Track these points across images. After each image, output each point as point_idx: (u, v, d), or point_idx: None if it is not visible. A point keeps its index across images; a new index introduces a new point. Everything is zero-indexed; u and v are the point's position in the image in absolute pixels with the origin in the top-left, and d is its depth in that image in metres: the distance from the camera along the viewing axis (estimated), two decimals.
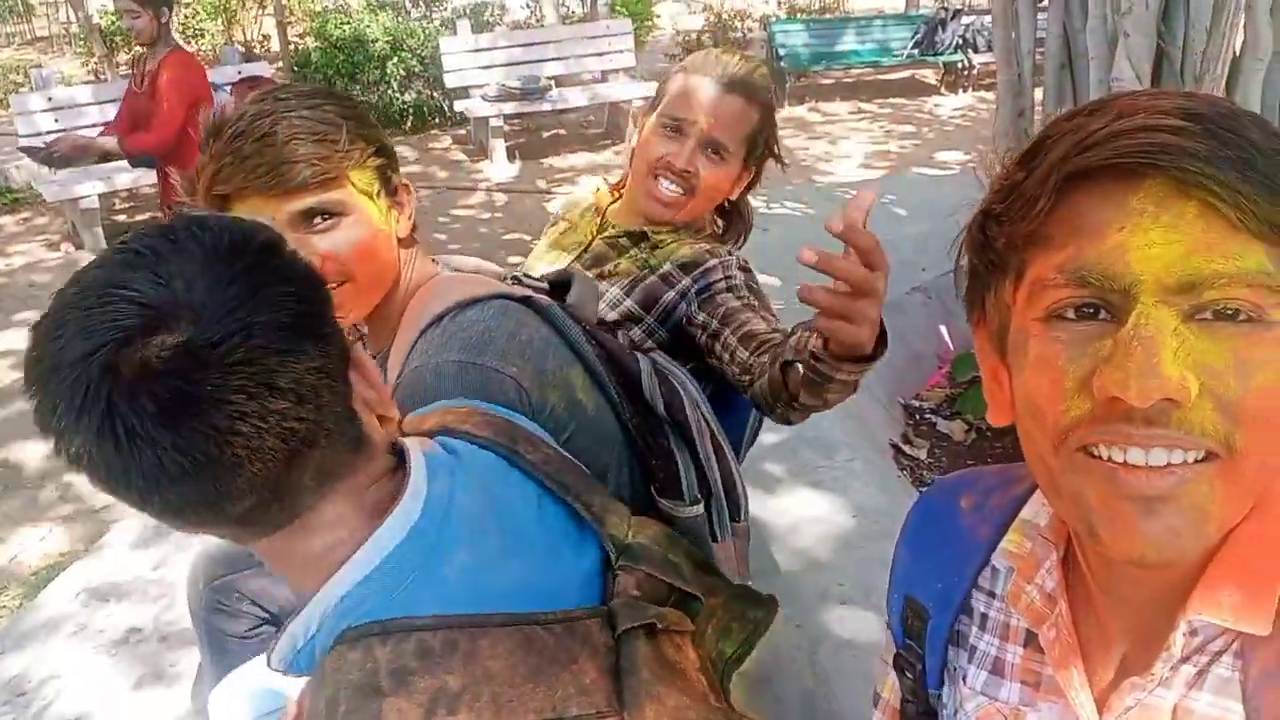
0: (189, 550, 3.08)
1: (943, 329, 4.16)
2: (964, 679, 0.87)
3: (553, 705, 0.74)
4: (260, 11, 13.62)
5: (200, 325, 0.69)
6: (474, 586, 0.81)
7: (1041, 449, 0.67)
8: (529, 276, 1.50)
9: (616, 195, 1.86)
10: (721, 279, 1.60)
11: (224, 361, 0.69)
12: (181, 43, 5.01)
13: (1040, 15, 3.24)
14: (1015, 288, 0.69)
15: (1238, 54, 2.26)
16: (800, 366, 1.25)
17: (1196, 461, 0.61)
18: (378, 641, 0.74)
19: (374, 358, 1.35)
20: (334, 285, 1.27)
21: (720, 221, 1.88)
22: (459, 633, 0.75)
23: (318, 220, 1.29)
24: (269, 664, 0.82)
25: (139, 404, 0.67)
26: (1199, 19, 2.37)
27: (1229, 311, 0.60)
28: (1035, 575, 0.79)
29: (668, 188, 1.68)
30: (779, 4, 14.34)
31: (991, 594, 0.87)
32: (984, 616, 0.87)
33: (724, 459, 1.47)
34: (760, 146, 1.75)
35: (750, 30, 12.90)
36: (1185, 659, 0.67)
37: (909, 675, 0.96)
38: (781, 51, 11.00)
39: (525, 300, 1.34)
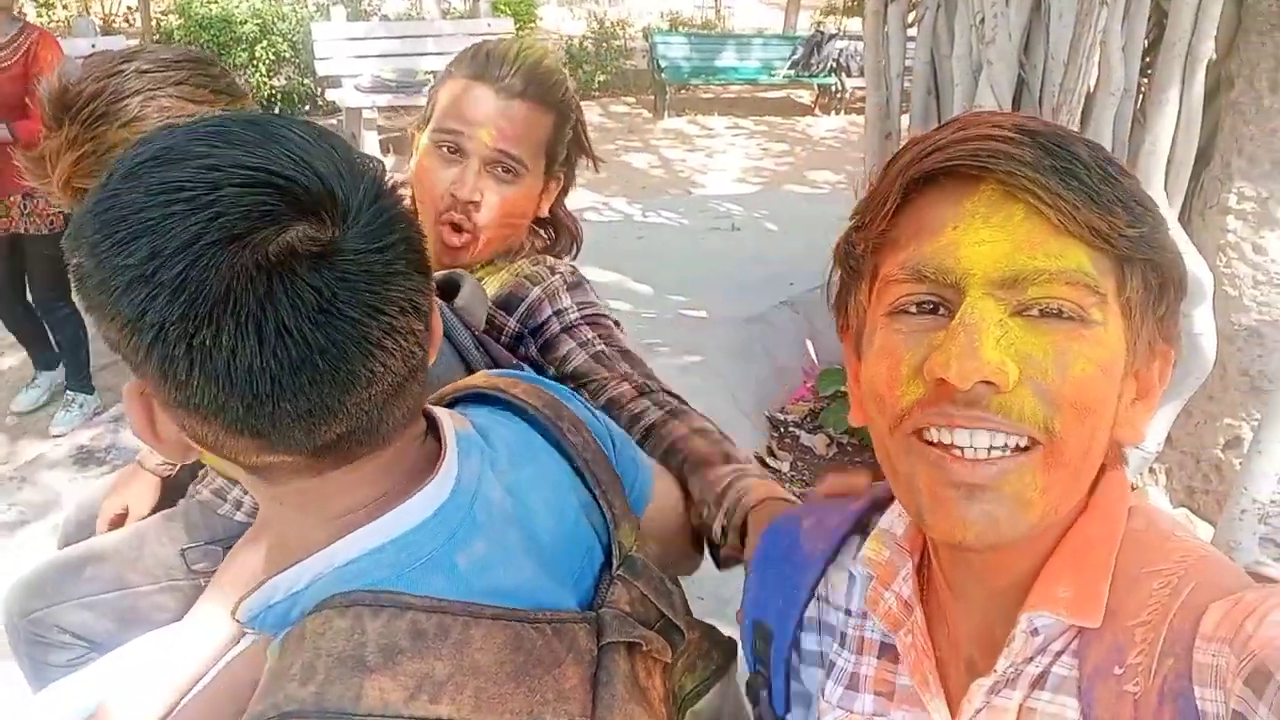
0: (2, 550, 2.85)
1: (808, 343, 4.23)
2: (823, 694, 0.88)
3: (530, 708, 0.72)
4: None
5: (357, 223, 0.64)
6: (484, 579, 0.76)
7: (881, 432, 0.72)
8: None
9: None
10: (551, 315, 1.40)
11: (386, 271, 0.65)
12: (34, 14, 4.58)
13: (910, 43, 3.33)
14: (870, 289, 0.74)
15: (1092, 88, 2.36)
16: (716, 526, 1.14)
17: (1018, 450, 0.65)
18: (369, 613, 0.69)
19: None
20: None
21: (543, 233, 1.61)
22: (453, 619, 0.71)
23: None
24: (232, 614, 0.76)
25: (301, 298, 0.61)
26: (1057, 51, 2.47)
27: (1053, 309, 0.65)
28: (893, 582, 0.81)
29: (452, 230, 1.42)
30: (661, 15, 14.46)
31: (847, 610, 0.88)
32: (843, 634, 0.88)
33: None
34: (563, 150, 1.48)
35: (632, 40, 12.96)
36: (1029, 659, 0.70)
37: (756, 701, 0.97)
38: (663, 63, 11.09)
39: None
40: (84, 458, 3.57)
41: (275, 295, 0.60)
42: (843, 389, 3.96)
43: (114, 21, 12.30)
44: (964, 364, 0.63)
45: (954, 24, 3.00)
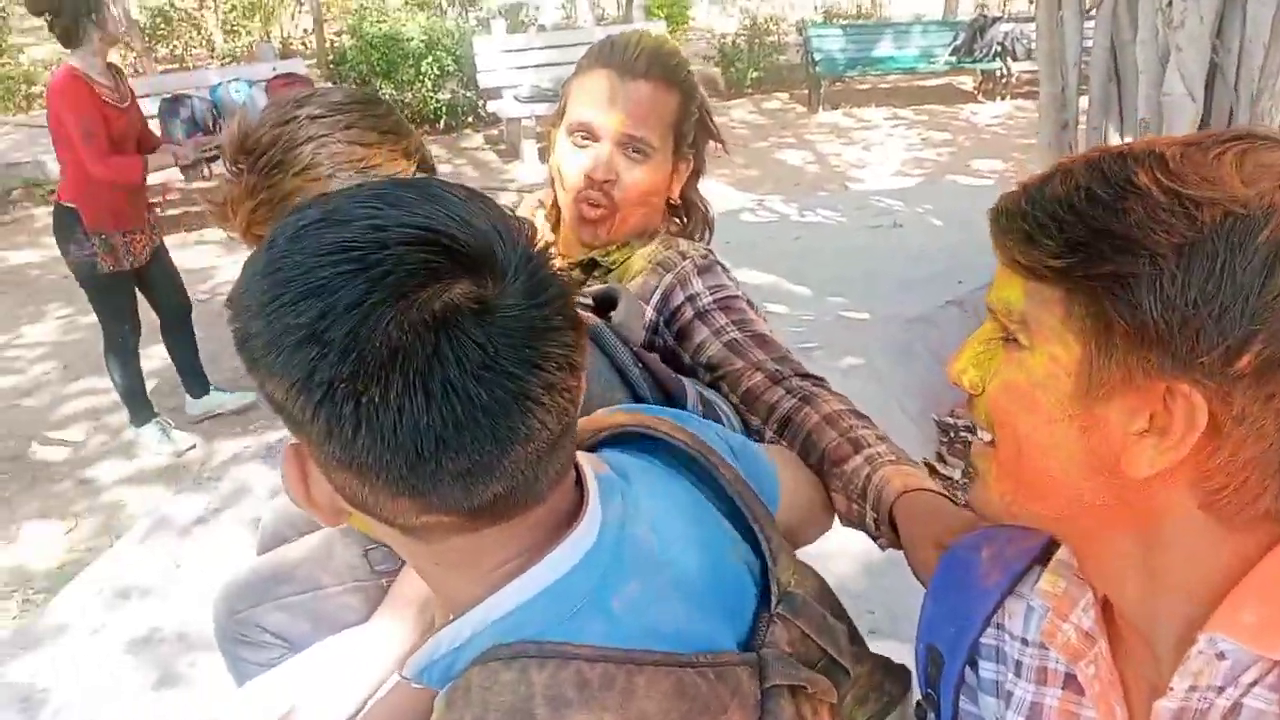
0: (204, 545, 3.08)
1: None
2: None
3: None
4: (298, 9, 13.71)
5: (516, 280, 0.65)
6: (641, 623, 0.76)
7: None
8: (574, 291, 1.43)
9: (554, 220, 1.64)
10: (684, 301, 1.42)
11: (545, 326, 0.66)
12: (221, 41, 4.89)
13: (1087, 26, 3.15)
14: None
15: None
16: (868, 520, 1.21)
17: (986, 444, 0.80)
18: (534, 665, 0.70)
19: None
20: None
21: (678, 220, 1.65)
22: (617, 668, 0.71)
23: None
24: (401, 673, 0.78)
25: (466, 354, 0.62)
26: (1257, 33, 2.29)
27: (1005, 333, 0.76)
28: (1071, 613, 0.82)
29: (589, 206, 1.47)
30: (815, 8, 14.22)
31: (1024, 640, 0.88)
32: (1019, 663, 0.88)
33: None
34: (691, 131, 1.52)
35: (786, 34, 12.81)
36: (1220, 690, 0.69)
37: None
38: (817, 57, 10.91)
39: None
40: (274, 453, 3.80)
41: (442, 351, 0.61)
42: None
43: (291, 44, 13.07)
44: (948, 369, 0.81)
45: (1136, 7, 2.82)
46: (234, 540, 3.02)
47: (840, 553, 2.73)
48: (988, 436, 0.79)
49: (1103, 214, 0.67)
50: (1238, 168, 0.65)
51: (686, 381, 1.34)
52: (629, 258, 1.50)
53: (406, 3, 11.54)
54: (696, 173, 1.59)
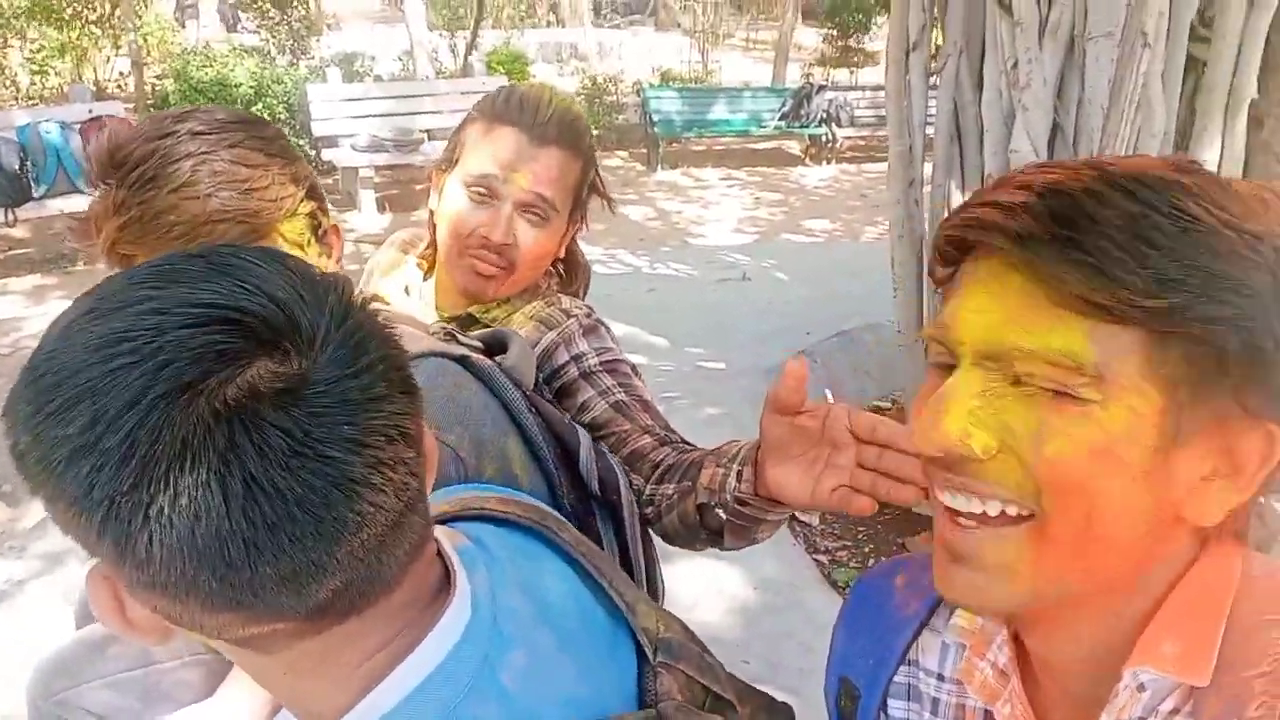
0: (12, 620, 2.76)
1: (827, 392, 4.19)
2: None
3: None
4: (114, 52, 12.97)
5: (326, 350, 0.57)
6: (534, 693, 0.70)
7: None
8: (462, 333, 1.35)
9: (426, 268, 1.57)
10: (568, 360, 1.38)
11: (365, 397, 0.57)
12: (27, 82, 4.54)
13: (932, 91, 3.33)
14: None
15: (1133, 132, 2.35)
16: (720, 511, 1.12)
17: (1010, 519, 0.65)
18: None
19: None
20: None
21: (559, 274, 1.62)
22: None
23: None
24: None
25: (268, 443, 0.53)
26: (1095, 95, 2.46)
27: (1049, 385, 0.63)
28: (987, 651, 0.79)
29: (485, 261, 1.41)
30: (653, 70, 14.64)
31: (941, 676, 0.85)
32: (935, 700, 0.85)
33: (649, 542, 1.36)
34: (585, 193, 1.50)
35: (624, 95, 13.09)
36: None
37: None
38: (655, 117, 11.19)
39: (462, 360, 1.19)
40: None
41: (239, 444, 0.53)
42: None
43: (106, 87, 12.34)
44: (926, 434, 0.65)
45: (979, 71, 3.00)
46: (47, 613, 2.78)
47: (713, 603, 2.71)
48: (984, 507, 0.66)
49: (1186, 248, 0.61)
50: (1244, 197, 0.64)
51: (581, 430, 1.29)
52: (510, 314, 1.46)
53: (234, 49, 11.11)
54: (580, 228, 1.57)
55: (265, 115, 9.30)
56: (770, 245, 7.44)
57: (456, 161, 1.45)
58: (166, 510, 0.52)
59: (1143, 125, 2.35)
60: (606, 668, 0.79)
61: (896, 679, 0.88)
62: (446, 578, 0.70)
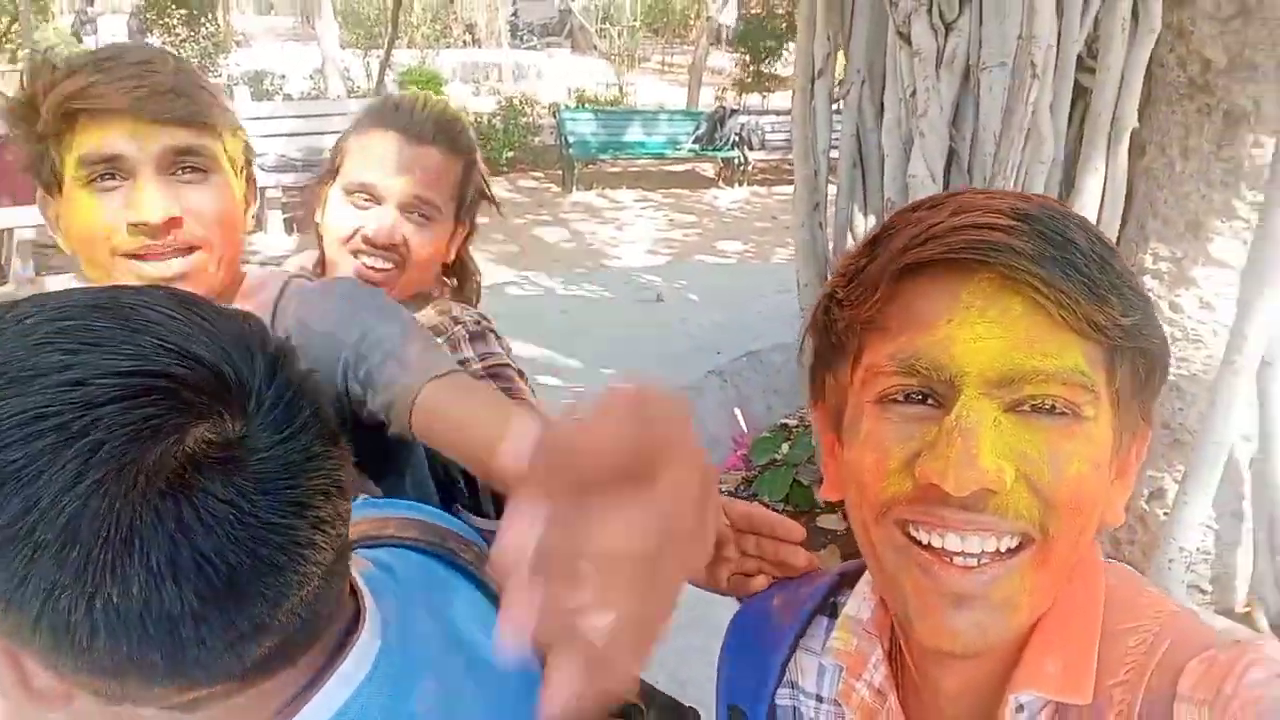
0: None
1: (737, 412, 4.23)
2: None
3: None
4: (12, 66, 12.49)
5: (260, 412, 0.55)
6: (447, 718, 0.68)
7: (865, 519, 0.69)
8: None
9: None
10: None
11: (304, 459, 0.56)
12: None
13: (836, 117, 3.41)
14: (853, 369, 0.71)
15: (1023, 158, 2.44)
16: None
17: (1009, 551, 0.64)
18: None
19: None
20: (183, 250, 1.10)
21: (448, 280, 1.65)
22: None
23: (185, 171, 1.11)
24: None
25: (215, 517, 0.51)
26: (988, 123, 2.55)
27: (1046, 405, 0.63)
28: (864, 671, 0.79)
29: (373, 264, 1.42)
30: (569, 92, 14.69)
31: (819, 698, 0.85)
32: None
33: None
34: (470, 195, 1.53)
35: (540, 116, 13.10)
36: None
37: None
38: (571, 139, 11.23)
39: None
40: None
41: (186, 523, 0.50)
42: (776, 457, 3.96)
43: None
44: (962, 473, 0.61)
45: (880, 98, 3.09)
46: None
47: None
48: (997, 544, 0.64)
49: (1126, 273, 0.65)
50: None
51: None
52: None
53: None
54: (469, 235, 1.59)
55: None
56: (683, 267, 7.51)
57: (338, 172, 1.47)
58: (115, 599, 0.49)
59: (1032, 153, 2.44)
60: (516, 685, 0.78)
61: (779, 701, 0.87)
62: (357, 609, 0.68)
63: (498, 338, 1.48)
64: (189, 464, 0.50)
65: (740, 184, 11.92)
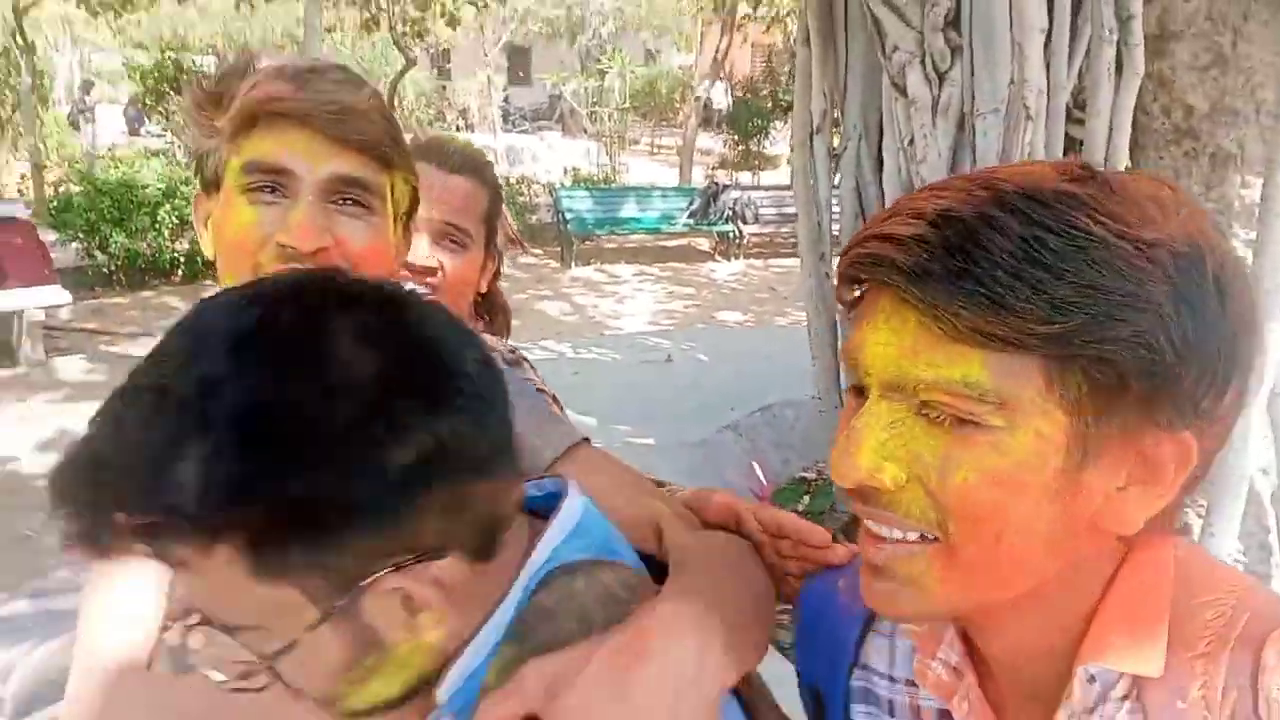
0: None
1: (755, 465, 4.28)
2: None
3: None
4: (13, 155, 12.75)
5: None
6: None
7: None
8: None
9: None
10: None
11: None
12: None
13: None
14: None
15: None
16: None
17: (910, 541, 0.67)
18: (599, 568, 0.74)
19: None
20: None
21: (483, 319, 1.71)
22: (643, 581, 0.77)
23: (349, 200, 1.08)
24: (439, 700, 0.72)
25: None
26: (984, 164, 2.67)
27: (947, 413, 0.64)
28: (938, 650, 0.80)
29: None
30: (565, 171, 15.00)
31: (891, 678, 0.86)
32: (891, 702, 0.86)
33: None
34: (497, 229, 1.60)
35: (537, 195, 13.38)
36: (1091, 710, 0.69)
37: None
38: (568, 216, 11.45)
39: None
40: None
41: None
42: (799, 508, 4.00)
43: (5, 191, 12.08)
44: (841, 468, 0.66)
45: (877, 151, 3.22)
46: None
47: None
48: (902, 534, 0.67)
49: (1080, 267, 0.60)
50: (1138, 202, 0.63)
51: None
52: None
53: (139, 151, 11.05)
54: (497, 272, 1.65)
55: (174, 216, 9.22)
56: (690, 330, 7.63)
57: None
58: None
59: None
60: None
61: (854, 682, 0.88)
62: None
63: (531, 367, 1.53)
64: None
65: (736, 257, 12.12)
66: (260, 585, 0.66)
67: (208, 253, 1.14)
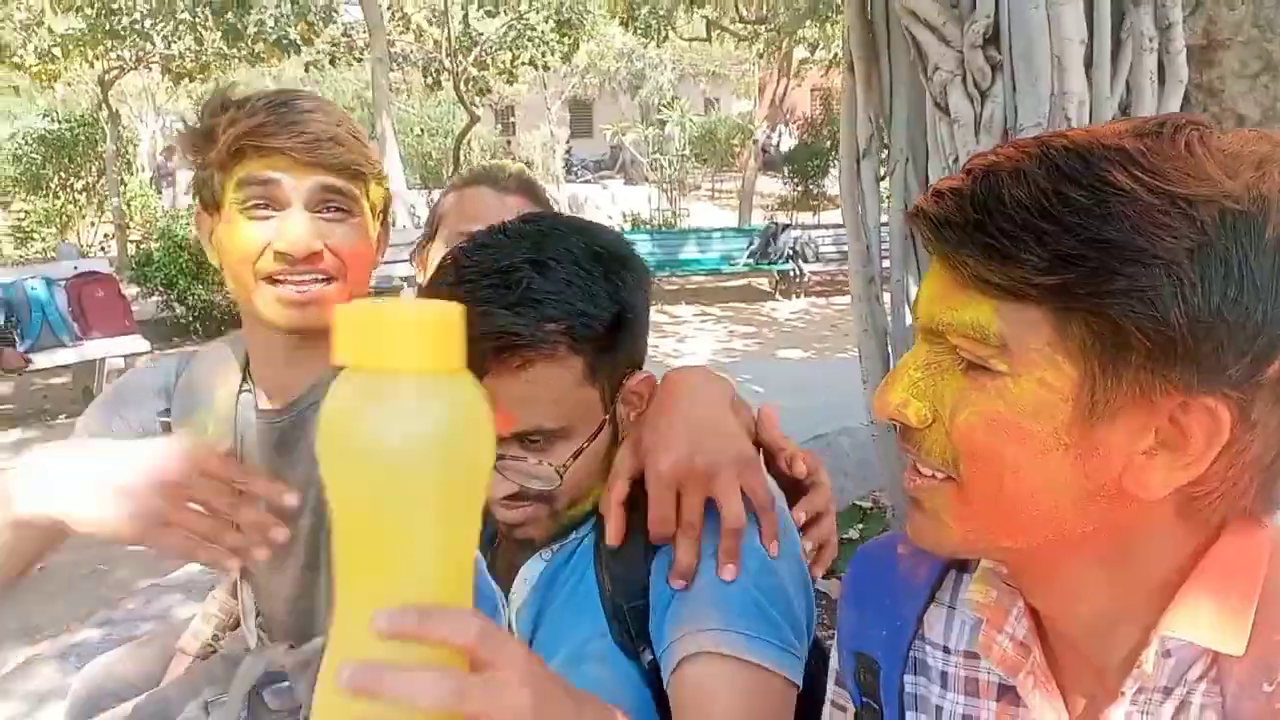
0: None
1: None
2: None
3: None
4: (98, 218, 13.37)
5: None
6: None
7: None
8: None
9: None
10: None
11: None
12: (11, 248, 4.67)
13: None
14: None
15: None
16: None
17: (939, 478, 0.71)
18: None
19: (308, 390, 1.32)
20: (321, 280, 1.23)
21: None
22: None
23: (330, 209, 1.25)
24: None
25: None
26: None
27: (966, 357, 0.67)
28: (1005, 624, 0.79)
29: None
30: (625, 216, 15.19)
31: (947, 649, 0.85)
32: (944, 674, 0.85)
33: None
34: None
35: None
36: (1167, 690, 0.68)
37: None
38: None
39: None
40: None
41: None
42: (852, 535, 3.94)
43: (90, 250, 12.66)
44: (877, 400, 0.72)
45: (924, 172, 3.22)
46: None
47: None
48: (929, 471, 0.71)
49: (1093, 221, 0.60)
50: (1210, 158, 0.62)
51: None
52: None
53: None
54: None
55: None
56: (748, 364, 7.63)
57: (435, 232, 1.67)
58: None
59: None
60: None
61: (912, 653, 0.87)
62: None
63: None
64: None
65: (797, 296, 12.09)
66: (583, 389, 0.99)
67: (213, 261, 1.32)
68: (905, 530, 0.77)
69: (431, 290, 0.99)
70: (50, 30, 10.89)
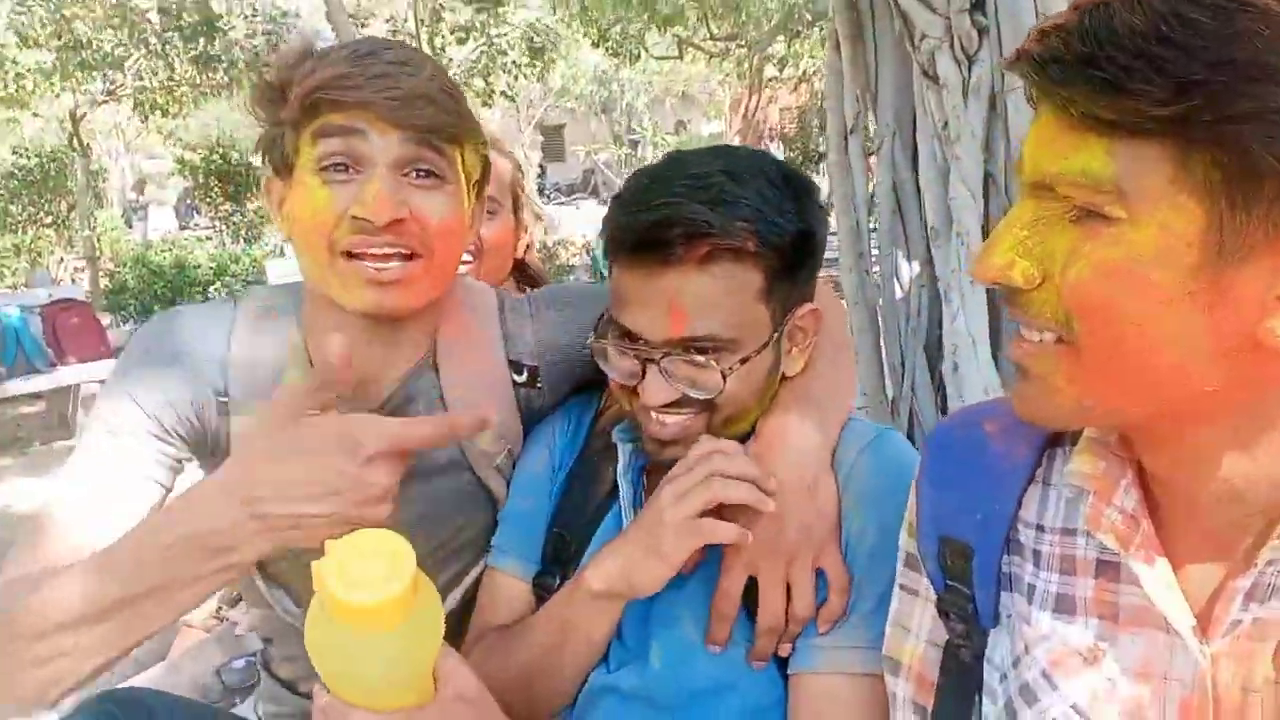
0: None
1: None
2: (1026, 621, 0.79)
3: None
4: (67, 252, 13.23)
5: None
6: None
7: None
8: None
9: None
10: None
11: None
12: None
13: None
14: None
15: None
16: None
17: (1050, 341, 0.66)
18: None
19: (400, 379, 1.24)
20: (403, 256, 1.08)
21: (524, 288, 1.89)
22: None
23: (418, 174, 1.09)
24: None
25: None
26: (1019, 144, 2.67)
27: (1079, 208, 0.62)
28: (1114, 495, 0.74)
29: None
30: (598, 231, 15.23)
31: (1040, 527, 0.80)
32: (1035, 553, 0.80)
33: None
34: (520, 196, 1.82)
35: (573, 257, 13.55)
36: None
37: (958, 619, 0.86)
38: (605, 274, 11.55)
39: None
40: None
41: None
42: None
43: (61, 281, 12.53)
44: (977, 264, 0.67)
45: (912, 147, 3.23)
46: None
47: None
48: (1039, 335, 0.67)
49: (1218, 43, 0.55)
50: None
51: None
52: None
53: (196, 236, 11.48)
54: (530, 245, 1.91)
55: (224, 293, 9.50)
56: None
57: None
58: None
59: None
60: None
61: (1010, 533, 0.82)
62: None
63: None
64: None
65: None
66: (757, 304, 1.00)
67: (284, 232, 1.17)
68: (1009, 401, 0.72)
69: (626, 190, 1.02)
70: (15, 62, 10.80)
